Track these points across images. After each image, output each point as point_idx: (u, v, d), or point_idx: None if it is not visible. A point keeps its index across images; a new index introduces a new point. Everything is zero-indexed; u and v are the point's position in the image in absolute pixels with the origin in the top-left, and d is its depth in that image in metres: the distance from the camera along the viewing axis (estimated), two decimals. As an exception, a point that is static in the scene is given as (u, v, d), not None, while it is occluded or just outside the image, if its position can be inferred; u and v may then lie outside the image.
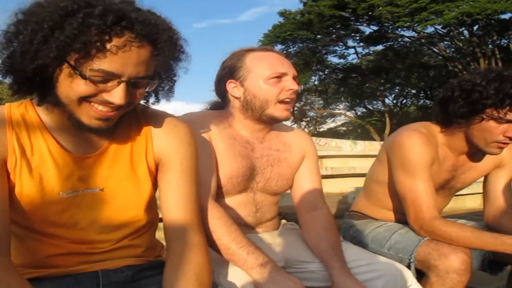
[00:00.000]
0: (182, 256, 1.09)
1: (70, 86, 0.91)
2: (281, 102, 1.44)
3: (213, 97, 1.61)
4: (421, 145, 1.62)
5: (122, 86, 0.92)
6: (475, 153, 1.74)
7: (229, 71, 1.49)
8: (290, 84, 1.44)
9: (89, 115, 0.95)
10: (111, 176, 1.09)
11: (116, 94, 0.92)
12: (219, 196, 1.42)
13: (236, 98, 1.48)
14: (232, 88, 1.49)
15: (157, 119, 1.15)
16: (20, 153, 1.00)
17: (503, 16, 18.34)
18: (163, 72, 1.04)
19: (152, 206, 1.17)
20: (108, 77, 0.91)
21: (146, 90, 1.00)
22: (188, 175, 1.16)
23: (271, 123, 1.51)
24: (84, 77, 0.89)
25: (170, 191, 1.14)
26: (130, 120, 1.12)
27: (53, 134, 1.04)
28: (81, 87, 0.91)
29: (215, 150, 1.41)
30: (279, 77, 1.43)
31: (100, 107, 0.95)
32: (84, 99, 0.93)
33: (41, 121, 1.03)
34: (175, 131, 1.16)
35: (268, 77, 1.43)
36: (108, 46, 0.88)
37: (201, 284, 1.06)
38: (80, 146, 1.06)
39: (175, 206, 1.14)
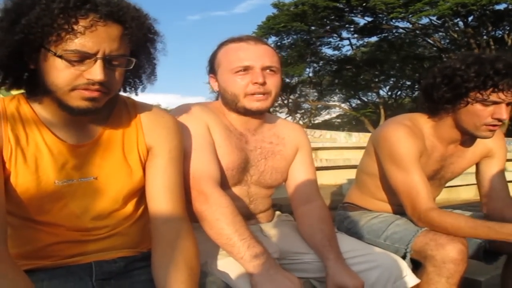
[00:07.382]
0: (171, 242, 1.11)
1: (54, 73, 0.96)
2: (250, 94, 1.40)
3: (207, 90, 1.62)
4: (407, 139, 1.63)
5: (98, 63, 0.97)
6: (464, 142, 1.74)
7: (209, 65, 1.51)
8: (255, 78, 1.38)
9: (77, 97, 0.99)
10: (104, 164, 1.12)
11: (94, 71, 0.96)
12: None
13: (217, 91, 1.49)
14: (213, 82, 1.50)
15: (146, 110, 1.20)
16: (15, 142, 1.02)
17: (497, 7, 18.36)
18: (139, 53, 1.08)
19: (144, 194, 1.19)
20: (83, 56, 0.96)
21: (125, 68, 1.04)
22: (175, 163, 1.20)
23: (250, 114, 1.46)
24: (60, 56, 0.94)
25: (158, 177, 1.17)
26: (120, 111, 1.16)
27: (47, 125, 1.06)
28: (63, 71, 0.96)
29: (214, 141, 1.40)
30: (245, 70, 1.40)
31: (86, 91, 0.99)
32: (73, 87, 0.97)
33: (35, 113, 1.06)
34: (164, 121, 1.21)
35: (232, 71, 1.40)
36: (75, 27, 0.93)
37: (191, 270, 1.08)
38: (74, 136, 1.08)
39: (162, 192, 1.16)
